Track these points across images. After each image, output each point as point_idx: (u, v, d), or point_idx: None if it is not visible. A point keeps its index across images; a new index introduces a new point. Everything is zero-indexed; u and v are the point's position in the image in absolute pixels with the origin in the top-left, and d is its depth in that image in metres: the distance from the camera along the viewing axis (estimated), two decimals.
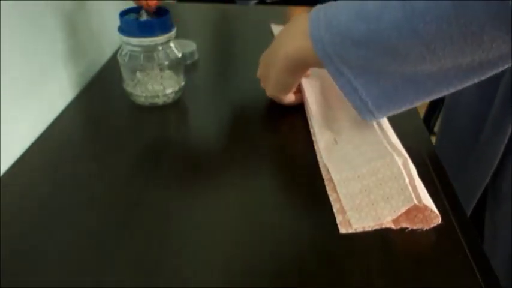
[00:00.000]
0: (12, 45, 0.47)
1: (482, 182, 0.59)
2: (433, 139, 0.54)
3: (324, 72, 0.57)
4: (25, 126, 0.51)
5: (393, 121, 0.57)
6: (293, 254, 0.38)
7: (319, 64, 0.44)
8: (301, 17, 0.46)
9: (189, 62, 0.70)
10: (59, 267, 0.36)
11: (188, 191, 0.45)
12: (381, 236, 0.39)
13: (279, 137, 0.54)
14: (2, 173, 0.46)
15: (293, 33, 0.47)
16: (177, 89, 0.58)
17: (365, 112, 0.45)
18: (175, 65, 0.58)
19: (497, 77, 0.56)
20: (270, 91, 0.55)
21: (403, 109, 0.44)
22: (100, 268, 0.36)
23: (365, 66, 0.42)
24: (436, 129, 1.60)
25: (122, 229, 0.40)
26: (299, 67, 0.50)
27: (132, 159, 0.49)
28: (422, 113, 1.15)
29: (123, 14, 0.54)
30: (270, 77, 0.53)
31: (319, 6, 0.44)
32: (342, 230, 0.40)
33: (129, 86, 0.57)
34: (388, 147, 0.44)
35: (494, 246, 0.58)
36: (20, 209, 0.42)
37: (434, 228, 0.40)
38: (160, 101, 0.58)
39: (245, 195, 0.44)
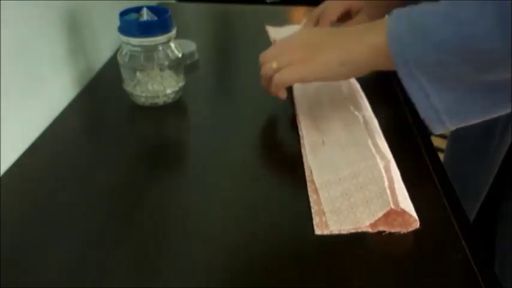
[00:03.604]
0: (12, 45, 0.47)
1: (485, 186, 0.58)
2: (433, 139, 0.54)
3: None
4: (25, 126, 0.51)
5: (394, 121, 0.57)
6: (293, 254, 0.38)
7: (387, 66, 0.42)
8: (378, 22, 0.43)
9: (189, 62, 0.70)
10: (59, 267, 0.36)
11: (188, 190, 0.45)
12: (381, 236, 0.39)
13: (279, 136, 0.54)
14: (2, 173, 0.46)
15: (366, 30, 0.44)
16: (177, 89, 0.58)
17: (435, 121, 0.42)
18: (175, 65, 0.58)
19: None
20: (291, 75, 0.47)
21: (476, 120, 0.42)
22: (100, 268, 0.36)
23: (442, 73, 0.40)
24: None
25: (122, 229, 0.40)
26: (361, 68, 0.46)
27: (132, 159, 0.49)
28: None
29: (123, 14, 0.54)
30: (304, 59, 0.46)
31: (399, 9, 0.42)
32: (318, 232, 0.40)
33: (129, 86, 0.57)
34: (373, 149, 0.45)
35: (503, 269, 0.58)
36: (20, 209, 0.42)
37: (435, 228, 0.40)
38: (160, 101, 0.58)
39: (245, 195, 0.44)
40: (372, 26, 0.44)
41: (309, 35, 0.51)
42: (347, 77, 0.48)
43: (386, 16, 0.43)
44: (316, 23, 0.66)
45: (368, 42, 0.43)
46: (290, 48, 0.49)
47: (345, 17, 0.66)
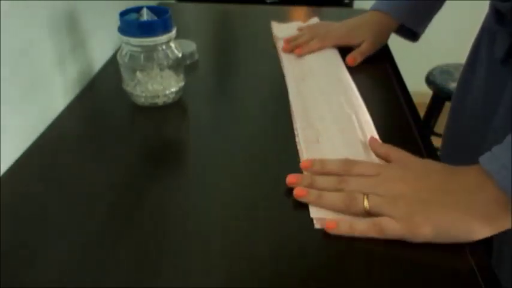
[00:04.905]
0: (12, 45, 0.47)
1: None
2: (433, 139, 0.54)
3: (316, 70, 0.62)
4: (25, 126, 0.51)
5: (394, 121, 0.57)
6: (293, 254, 0.38)
7: None
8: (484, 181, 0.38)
9: (189, 62, 0.70)
10: (59, 267, 0.36)
11: (188, 190, 0.45)
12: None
13: (279, 136, 0.54)
14: (2, 173, 0.46)
15: (474, 187, 0.39)
16: (177, 89, 0.58)
17: None
18: (175, 65, 0.58)
19: (502, 84, 0.55)
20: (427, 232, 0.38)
21: None
22: (100, 268, 0.36)
23: None
24: (436, 129, 1.59)
25: (122, 229, 0.40)
26: (492, 228, 0.39)
27: (131, 159, 0.49)
28: (422, 112, 1.15)
29: (123, 14, 0.54)
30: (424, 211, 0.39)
31: (489, 157, 0.38)
32: (317, 226, 0.40)
33: (129, 86, 0.57)
34: (362, 150, 0.48)
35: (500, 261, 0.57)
36: (20, 209, 0.42)
37: None
38: (160, 101, 0.58)
39: (245, 195, 0.44)
40: (479, 187, 0.39)
41: (417, 181, 0.41)
42: (474, 238, 0.40)
43: (480, 164, 0.39)
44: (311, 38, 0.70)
45: (486, 201, 0.38)
46: (397, 196, 0.40)
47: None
